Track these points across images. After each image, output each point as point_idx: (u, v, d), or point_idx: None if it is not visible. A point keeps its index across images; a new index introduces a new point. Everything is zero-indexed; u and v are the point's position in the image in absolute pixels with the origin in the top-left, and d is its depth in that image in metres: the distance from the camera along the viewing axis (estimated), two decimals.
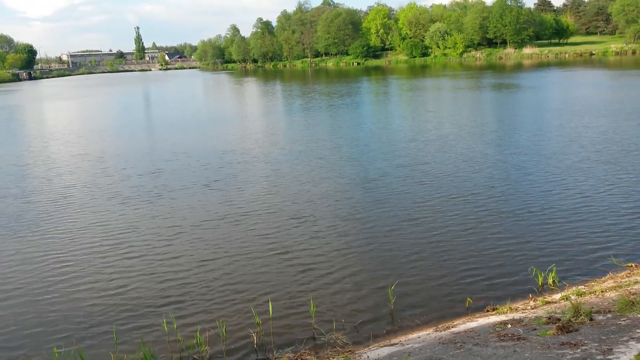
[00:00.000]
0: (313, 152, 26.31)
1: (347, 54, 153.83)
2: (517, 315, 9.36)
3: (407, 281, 11.60)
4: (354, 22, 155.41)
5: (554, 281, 11.17)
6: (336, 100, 52.70)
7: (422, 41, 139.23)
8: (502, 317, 9.38)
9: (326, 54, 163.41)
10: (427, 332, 9.51)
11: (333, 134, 31.66)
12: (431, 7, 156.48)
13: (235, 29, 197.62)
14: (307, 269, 12.45)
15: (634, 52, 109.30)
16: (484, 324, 9.14)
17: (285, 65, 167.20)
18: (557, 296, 10.43)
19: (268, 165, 23.73)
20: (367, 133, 31.37)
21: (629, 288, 9.75)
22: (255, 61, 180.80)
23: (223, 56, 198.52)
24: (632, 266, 11.72)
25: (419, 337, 9.20)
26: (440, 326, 9.68)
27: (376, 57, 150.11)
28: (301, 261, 12.90)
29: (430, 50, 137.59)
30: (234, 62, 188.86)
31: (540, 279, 11.19)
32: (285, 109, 48.70)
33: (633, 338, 6.95)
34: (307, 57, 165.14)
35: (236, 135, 33.29)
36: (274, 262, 12.89)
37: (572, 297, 9.80)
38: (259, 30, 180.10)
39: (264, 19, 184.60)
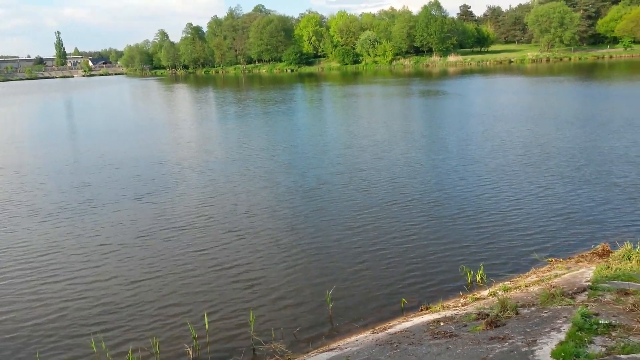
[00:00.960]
0: (250, 160, 26.00)
1: (281, 61, 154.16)
2: (449, 313, 9.73)
3: (345, 286, 11.74)
4: (286, 29, 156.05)
5: (482, 278, 11.72)
6: (271, 107, 52.59)
7: (353, 49, 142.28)
8: (435, 316, 9.71)
9: (259, 61, 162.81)
10: (365, 334, 9.66)
11: (269, 142, 31.44)
12: (361, 15, 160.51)
13: (164, 34, 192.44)
14: (246, 281, 12.28)
15: (548, 60, 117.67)
16: (419, 323, 9.42)
17: (217, 72, 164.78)
18: (485, 292, 10.96)
19: (203, 175, 23.16)
20: (304, 140, 31.42)
21: (550, 282, 10.41)
22: (185, 67, 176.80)
23: (151, 62, 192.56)
24: (552, 261, 12.54)
25: (357, 340, 9.33)
26: (377, 328, 9.87)
27: (309, 64, 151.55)
28: (240, 274, 12.68)
29: (361, 57, 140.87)
30: (163, 68, 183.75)
31: (470, 277, 11.72)
32: (219, 116, 47.93)
33: (554, 329, 7.42)
34: (240, 64, 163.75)
35: (168, 144, 32.32)
36: (211, 277, 12.58)
37: (499, 293, 10.31)
38: (189, 35, 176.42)
39: (194, 24, 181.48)
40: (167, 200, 19.30)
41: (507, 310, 8.75)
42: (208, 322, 10.05)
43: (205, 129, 39.31)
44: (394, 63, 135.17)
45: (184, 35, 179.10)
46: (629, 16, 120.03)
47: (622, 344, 6.53)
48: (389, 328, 9.67)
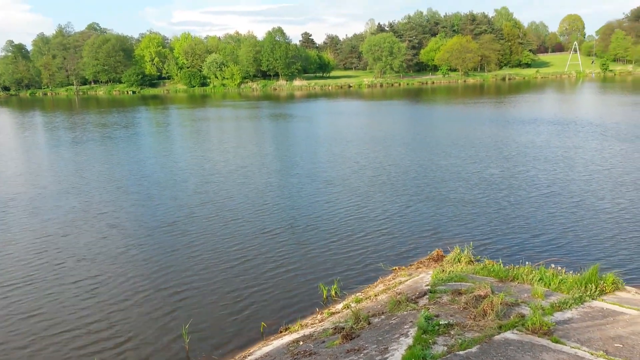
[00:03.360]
0: (92, 194, 23.39)
1: (120, 82, 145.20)
2: (307, 331, 9.87)
3: (203, 318, 11.22)
4: (125, 48, 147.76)
5: (336, 293, 12.17)
6: (114, 132, 48.84)
7: (200, 71, 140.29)
8: (295, 336, 9.77)
9: (95, 82, 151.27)
10: None
11: (115, 172, 28.60)
12: (206, 38, 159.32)
13: None
14: (93, 330, 10.99)
15: (381, 85, 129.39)
16: (279, 346, 9.38)
17: (46, 94, 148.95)
18: (339, 306, 11.37)
19: (35, 215, 20.17)
20: (156, 168, 29.04)
21: (395, 289, 11.20)
22: (6, 89, 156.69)
23: None
24: (396, 269, 13.55)
25: None
26: (237, 357, 9.59)
27: (153, 85, 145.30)
28: (85, 323, 11.32)
29: (209, 80, 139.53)
30: None
31: (325, 293, 12.08)
32: (51, 144, 42.68)
33: (402, 334, 7.95)
34: (73, 85, 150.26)
35: None
36: (48, 331, 11.02)
37: (352, 305, 10.79)
38: (10, 54, 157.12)
39: (16, 42, 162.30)
40: None
41: (360, 321, 9.17)
42: None
43: (34, 159, 34.77)
44: (242, 86, 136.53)
45: (3, 54, 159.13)
46: (445, 47, 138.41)
47: (459, 341, 7.25)
48: (249, 355, 9.46)
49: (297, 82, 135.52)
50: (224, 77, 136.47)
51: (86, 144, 40.60)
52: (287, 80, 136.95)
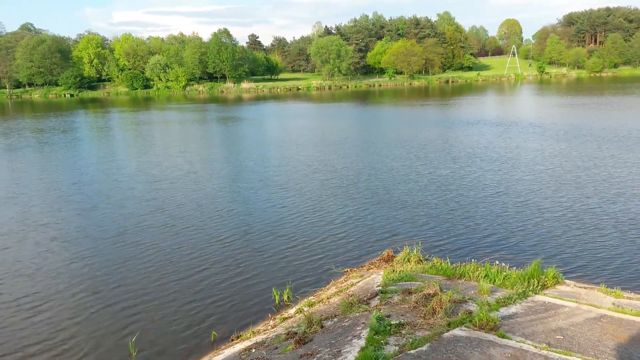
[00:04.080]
0: (29, 204, 22.15)
1: (57, 85, 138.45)
2: (259, 338, 9.72)
3: (150, 332, 10.81)
4: (62, 50, 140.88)
5: (289, 297, 12.07)
6: (52, 137, 46.33)
7: (143, 73, 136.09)
8: (247, 343, 9.60)
9: (30, 85, 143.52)
10: None
11: (54, 180, 27.02)
12: (148, 39, 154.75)
13: None
14: (30, 353, 10.40)
15: (330, 87, 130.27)
16: (230, 355, 9.18)
17: None
18: (292, 311, 11.29)
19: None
20: (101, 176, 27.60)
21: (347, 291, 11.24)
22: None
23: None
24: (347, 271, 13.62)
25: None
26: None
27: (92, 88, 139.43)
28: (20, 344, 10.72)
29: (152, 82, 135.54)
30: None
31: (277, 298, 11.95)
32: None
33: (355, 336, 7.97)
34: (6, 88, 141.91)
35: None
36: None
37: (305, 309, 10.73)
38: None
39: None
40: None
41: (313, 325, 9.13)
42: None
43: None
44: (188, 88, 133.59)
45: None
46: (390, 50, 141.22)
47: (410, 340, 7.34)
48: None
49: (244, 85, 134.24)
50: (168, 79, 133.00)
51: (22, 151, 38.31)
52: (234, 83, 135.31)
